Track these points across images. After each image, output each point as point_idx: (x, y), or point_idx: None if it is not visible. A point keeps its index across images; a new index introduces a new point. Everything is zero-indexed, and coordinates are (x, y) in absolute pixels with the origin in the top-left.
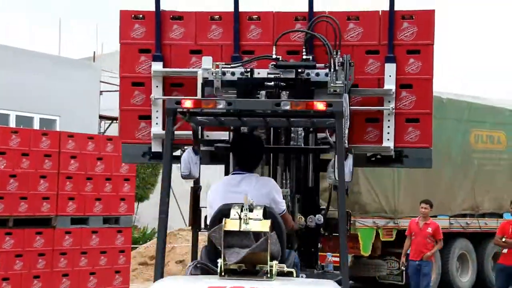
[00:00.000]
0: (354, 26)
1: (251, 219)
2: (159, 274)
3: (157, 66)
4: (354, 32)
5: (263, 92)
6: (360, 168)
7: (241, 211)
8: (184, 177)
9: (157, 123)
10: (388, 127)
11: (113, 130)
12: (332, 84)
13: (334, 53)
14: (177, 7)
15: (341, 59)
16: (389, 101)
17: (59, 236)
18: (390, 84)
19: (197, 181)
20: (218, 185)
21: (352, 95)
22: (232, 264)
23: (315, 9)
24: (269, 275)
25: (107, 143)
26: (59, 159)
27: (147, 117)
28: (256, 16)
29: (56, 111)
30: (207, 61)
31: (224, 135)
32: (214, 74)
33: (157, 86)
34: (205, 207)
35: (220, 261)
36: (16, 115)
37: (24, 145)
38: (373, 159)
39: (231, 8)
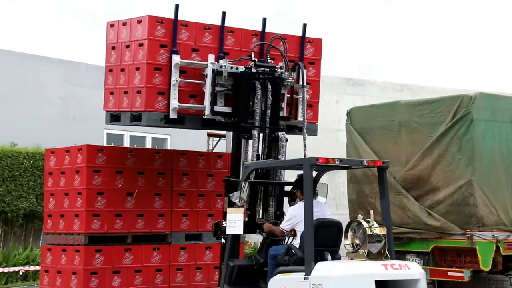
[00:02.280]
0: (282, 44)
1: (375, 227)
2: (311, 259)
3: (176, 58)
4: (282, 47)
5: (256, 82)
6: (475, 180)
7: (366, 224)
8: (240, 205)
9: (174, 98)
10: (301, 108)
11: (221, 147)
12: (286, 80)
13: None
14: (183, 15)
15: (299, 64)
16: (305, 92)
17: (175, 252)
18: (304, 82)
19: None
20: (300, 207)
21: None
22: (374, 251)
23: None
24: (389, 257)
25: (217, 160)
26: (172, 176)
27: (163, 93)
28: (231, 30)
29: (166, 130)
30: (211, 58)
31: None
32: (223, 67)
33: (175, 72)
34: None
35: (361, 251)
36: (130, 135)
37: (139, 164)
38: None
39: (217, 21)
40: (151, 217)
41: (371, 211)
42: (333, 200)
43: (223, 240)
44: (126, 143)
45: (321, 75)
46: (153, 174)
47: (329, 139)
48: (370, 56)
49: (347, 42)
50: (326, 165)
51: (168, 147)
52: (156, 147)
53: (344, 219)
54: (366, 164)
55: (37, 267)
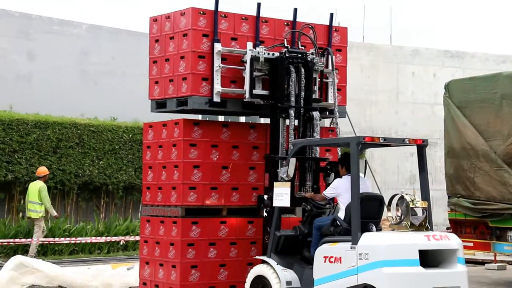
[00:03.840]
0: (312, 32)
1: (417, 201)
2: (358, 230)
3: (218, 46)
4: (311, 35)
5: (291, 66)
6: None
7: (409, 198)
8: (288, 179)
9: (217, 83)
10: (331, 91)
11: None
12: (317, 64)
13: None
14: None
15: (329, 49)
16: (334, 75)
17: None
18: (333, 65)
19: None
20: (344, 181)
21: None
22: (417, 224)
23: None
24: (429, 228)
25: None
26: (266, 150)
27: (206, 79)
28: (265, 20)
29: None
30: (249, 45)
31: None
32: (260, 53)
33: (218, 59)
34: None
35: (404, 222)
36: None
37: (234, 138)
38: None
39: (252, 12)
40: (246, 190)
41: (414, 188)
42: (430, 175)
43: (265, 214)
44: (221, 117)
45: (417, 48)
46: (247, 148)
47: (425, 113)
48: (468, 28)
49: (444, 14)
50: (372, 143)
51: (262, 121)
52: (250, 121)
53: (442, 195)
54: (407, 142)
55: (137, 238)
